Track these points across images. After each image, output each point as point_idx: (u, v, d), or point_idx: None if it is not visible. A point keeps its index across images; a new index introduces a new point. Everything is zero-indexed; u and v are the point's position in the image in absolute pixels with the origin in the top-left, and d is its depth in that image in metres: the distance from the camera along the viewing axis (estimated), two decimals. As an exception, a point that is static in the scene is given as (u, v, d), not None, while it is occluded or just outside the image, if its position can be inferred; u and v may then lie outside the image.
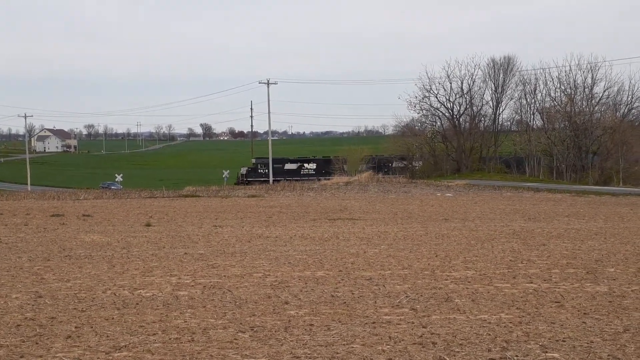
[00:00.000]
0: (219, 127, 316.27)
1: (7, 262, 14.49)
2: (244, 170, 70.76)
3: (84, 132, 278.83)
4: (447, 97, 76.12)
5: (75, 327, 8.67)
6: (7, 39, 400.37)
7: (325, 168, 69.05)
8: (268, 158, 71.03)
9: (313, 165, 70.93)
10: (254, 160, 73.15)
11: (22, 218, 26.13)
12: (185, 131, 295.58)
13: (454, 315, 9.21)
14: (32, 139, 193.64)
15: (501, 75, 76.30)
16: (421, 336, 8.11)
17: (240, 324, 8.80)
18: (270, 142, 69.72)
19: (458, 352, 7.45)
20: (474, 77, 76.23)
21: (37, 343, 7.93)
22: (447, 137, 75.88)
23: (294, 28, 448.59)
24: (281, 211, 29.46)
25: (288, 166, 70.65)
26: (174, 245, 17.47)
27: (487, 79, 76.56)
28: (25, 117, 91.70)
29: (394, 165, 71.42)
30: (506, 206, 32.29)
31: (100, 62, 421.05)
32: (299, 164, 71.56)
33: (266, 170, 67.83)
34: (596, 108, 70.60)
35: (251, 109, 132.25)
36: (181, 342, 7.92)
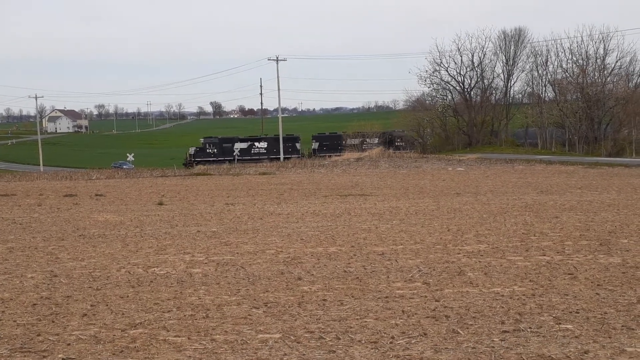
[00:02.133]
0: (229, 105, 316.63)
1: (22, 242, 14.62)
2: (192, 151, 67.50)
3: (95, 112, 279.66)
4: (458, 71, 75.50)
5: (91, 306, 8.75)
6: (18, 20, 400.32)
7: (276, 147, 66.46)
8: (216, 138, 69.53)
9: (264, 145, 68.15)
10: (202, 140, 69.73)
11: (35, 199, 26.30)
12: (195, 110, 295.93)
13: (467, 288, 9.23)
14: (44, 119, 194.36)
15: (512, 48, 75.57)
16: (434, 310, 8.13)
17: (254, 300, 8.85)
18: (280, 119, 69.58)
19: (471, 324, 7.47)
20: (484, 49, 75.52)
21: (53, 321, 8.02)
22: (458, 111, 75.38)
23: (303, 3, 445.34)
24: (292, 188, 29.50)
25: (238, 145, 67.79)
26: (187, 223, 17.55)
27: (498, 52, 75.88)
28: (36, 98, 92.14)
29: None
30: (518, 179, 32.17)
31: (110, 42, 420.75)
32: (249, 143, 68.74)
33: (215, 150, 65.53)
34: (608, 79, 69.80)
35: (260, 86, 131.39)
36: (196, 319, 7.98)
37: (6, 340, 7.31)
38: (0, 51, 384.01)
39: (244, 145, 67.85)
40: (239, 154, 65.97)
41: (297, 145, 68.10)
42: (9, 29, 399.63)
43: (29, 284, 10.18)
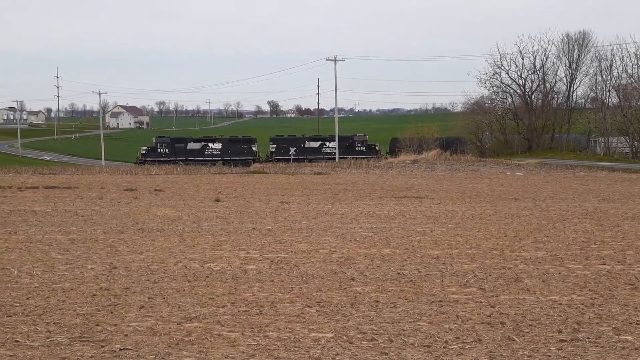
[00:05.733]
0: (286, 105, 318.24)
1: (83, 234, 15.03)
2: (144, 150, 64.12)
3: (156, 108, 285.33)
4: (519, 74, 74.16)
5: (148, 298, 8.93)
6: (83, 18, 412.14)
7: (231, 148, 63.27)
8: (168, 137, 66.46)
9: (218, 146, 63.94)
10: (154, 140, 66.32)
11: (97, 192, 27.01)
12: (253, 108, 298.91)
13: (524, 295, 9.06)
14: (106, 115, 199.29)
15: (576, 51, 73.83)
16: (489, 316, 8.01)
17: (307, 298, 8.89)
18: (336, 120, 69.65)
19: (527, 332, 7.34)
20: (547, 52, 73.98)
21: (111, 312, 8.22)
22: (518, 114, 74.07)
23: (362, 3, 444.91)
24: (347, 189, 29.49)
25: (191, 146, 64.21)
26: (242, 220, 17.74)
27: (561, 55, 74.22)
28: (100, 93, 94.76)
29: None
30: (579, 186, 31.41)
31: (171, 40, 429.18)
32: (202, 143, 64.79)
33: (166, 150, 62.18)
34: (676, 85, 67.53)
35: (318, 86, 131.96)
36: (250, 315, 8.06)
37: (66, 329, 7.53)
38: (66, 47, 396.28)
39: (197, 145, 64.17)
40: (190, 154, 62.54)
41: (254, 147, 64.98)
42: (76, 26, 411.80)
43: (89, 275, 10.46)
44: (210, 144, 64.33)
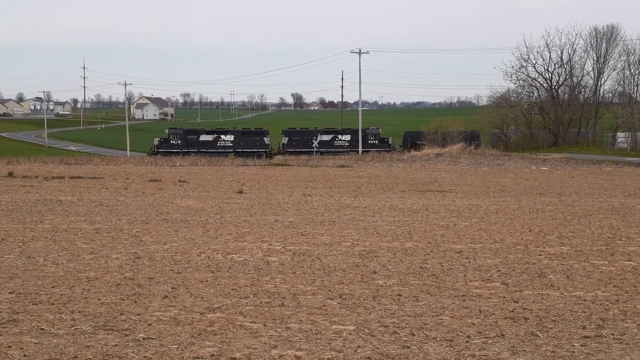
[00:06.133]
0: (310, 97, 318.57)
1: (108, 224, 15.18)
2: (156, 141, 63.94)
3: (180, 100, 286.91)
4: (546, 67, 73.40)
5: (172, 288, 9.00)
6: (109, 9, 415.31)
7: (242, 140, 62.84)
8: (181, 129, 66.46)
9: (230, 137, 63.45)
10: (167, 131, 66.14)
11: (122, 182, 27.25)
12: (276, 101, 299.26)
13: (548, 291, 8.98)
14: (132, 106, 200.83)
15: (604, 45, 72.87)
16: (512, 311, 7.96)
17: (329, 291, 8.89)
18: (360, 112, 69.47)
19: (551, 328, 7.28)
20: (574, 46, 73.10)
21: (135, 302, 8.30)
22: (545, 108, 73.32)
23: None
24: (370, 182, 29.44)
25: (204, 137, 63.75)
26: (265, 212, 17.79)
27: (588, 49, 73.31)
28: (125, 85, 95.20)
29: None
30: (605, 181, 31.03)
31: (197, 32, 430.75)
32: (215, 135, 64.29)
33: (178, 142, 61.95)
34: None
35: (342, 78, 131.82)
36: (272, 306, 8.09)
37: (91, 317, 7.61)
38: (92, 38, 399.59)
39: (209, 137, 63.75)
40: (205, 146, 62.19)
41: (266, 139, 64.90)
42: (103, 18, 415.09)
43: (113, 265, 10.57)
44: (223, 136, 64.11)
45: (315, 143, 63.23)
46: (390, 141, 65.33)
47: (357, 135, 63.84)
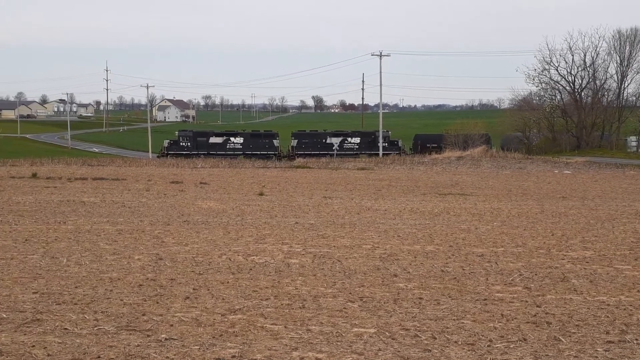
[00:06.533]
0: (330, 100, 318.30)
1: (130, 225, 15.30)
2: (166, 143, 64.32)
3: (202, 102, 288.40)
4: (568, 70, 72.67)
5: (193, 289, 9.05)
6: (133, 12, 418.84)
7: (252, 143, 63.00)
8: (191, 131, 66.68)
9: (240, 140, 63.65)
10: (177, 133, 66.44)
11: (144, 184, 27.45)
12: (297, 103, 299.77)
13: (570, 295, 8.90)
14: (154, 108, 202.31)
15: (627, 48, 72.01)
16: (535, 315, 7.90)
17: (350, 293, 8.89)
18: (380, 115, 69.37)
19: (574, 333, 7.21)
20: (597, 49, 72.32)
21: (157, 302, 8.35)
22: (567, 111, 72.66)
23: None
24: (390, 184, 29.37)
25: (213, 139, 63.94)
26: (286, 214, 17.83)
27: (612, 52, 72.44)
28: (147, 87, 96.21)
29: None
30: (629, 185, 30.67)
31: (218, 34, 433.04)
32: (224, 137, 64.35)
33: (188, 144, 62.25)
34: None
35: (362, 81, 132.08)
36: (292, 308, 8.10)
37: (113, 317, 7.67)
38: (115, 42, 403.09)
39: (219, 139, 63.96)
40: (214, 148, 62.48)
41: (275, 142, 64.83)
42: (125, 21, 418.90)
43: (135, 265, 10.64)
44: (232, 138, 64.40)
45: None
46: (400, 144, 65.30)
47: (366, 137, 64.00)
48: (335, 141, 63.72)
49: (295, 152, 62.13)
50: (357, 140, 63.68)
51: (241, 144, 63.45)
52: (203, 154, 60.23)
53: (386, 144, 64.00)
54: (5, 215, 16.74)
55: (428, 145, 65.10)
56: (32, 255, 11.34)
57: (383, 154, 59.16)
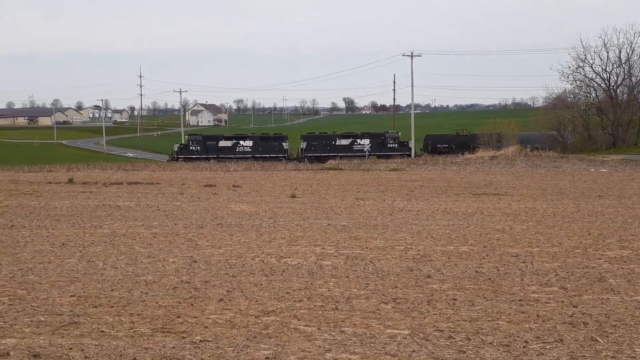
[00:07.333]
0: (361, 101, 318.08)
1: (165, 228, 15.46)
2: (176, 148, 64.93)
3: (234, 106, 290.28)
4: (604, 67, 71.47)
5: (227, 291, 9.11)
6: (163, 19, 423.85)
7: (262, 146, 63.09)
8: (200, 135, 67.11)
9: (249, 143, 63.83)
10: (187, 137, 67.51)
11: (177, 188, 27.71)
12: (328, 105, 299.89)
13: (608, 295, 8.76)
14: (187, 113, 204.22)
15: (664, 43, 70.69)
16: (571, 316, 7.78)
17: (383, 295, 8.86)
18: (412, 116, 69.14)
19: (611, 333, 7.09)
20: (633, 45, 71.01)
21: (192, 305, 8.42)
22: (603, 109, 71.51)
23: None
24: (423, 185, 29.21)
25: (222, 143, 64.12)
26: (318, 216, 17.84)
27: (648, 47, 71.16)
28: (180, 92, 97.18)
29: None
30: (667, 183, 30.05)
31: (249, 39, 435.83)
32: (234, 141, 64.64)
33: (198, 148, 62.55)
34: None
35: (394, 82, 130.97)
36: (325, 310, 8.10)
37: (149, 320, 7.76)
38: (148, 47, 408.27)
39: (228, 143, 64.20)
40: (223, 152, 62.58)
41: (284, 144, 64.63)
42: (159, 27, 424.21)
43: (170, 268, 10.75)
44: (242, 142, 64.70)
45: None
46: (410, 145, 65.18)
47: (375, 139, 64.01)
48: (345, 142, 63.93)
49: (305, 155, 62.39)
50: (367, 142, 63.71)
51: (250, 147, 63.90)
52: (213, 157, 60.70)
53: (396, 145, 63.98)
54: (43, 220, 17.05)
55: (439, 145, 65.01)
56: (69, 259, 11.53)
57: (390, 155, 59.08)
